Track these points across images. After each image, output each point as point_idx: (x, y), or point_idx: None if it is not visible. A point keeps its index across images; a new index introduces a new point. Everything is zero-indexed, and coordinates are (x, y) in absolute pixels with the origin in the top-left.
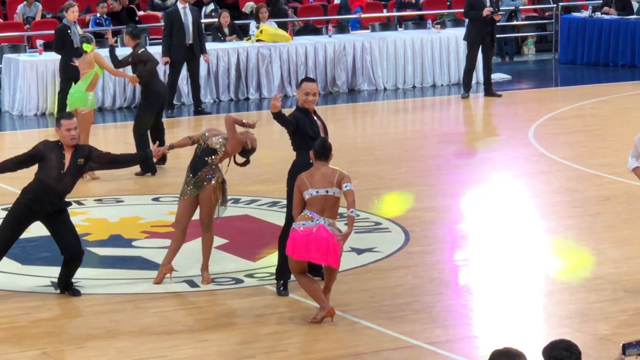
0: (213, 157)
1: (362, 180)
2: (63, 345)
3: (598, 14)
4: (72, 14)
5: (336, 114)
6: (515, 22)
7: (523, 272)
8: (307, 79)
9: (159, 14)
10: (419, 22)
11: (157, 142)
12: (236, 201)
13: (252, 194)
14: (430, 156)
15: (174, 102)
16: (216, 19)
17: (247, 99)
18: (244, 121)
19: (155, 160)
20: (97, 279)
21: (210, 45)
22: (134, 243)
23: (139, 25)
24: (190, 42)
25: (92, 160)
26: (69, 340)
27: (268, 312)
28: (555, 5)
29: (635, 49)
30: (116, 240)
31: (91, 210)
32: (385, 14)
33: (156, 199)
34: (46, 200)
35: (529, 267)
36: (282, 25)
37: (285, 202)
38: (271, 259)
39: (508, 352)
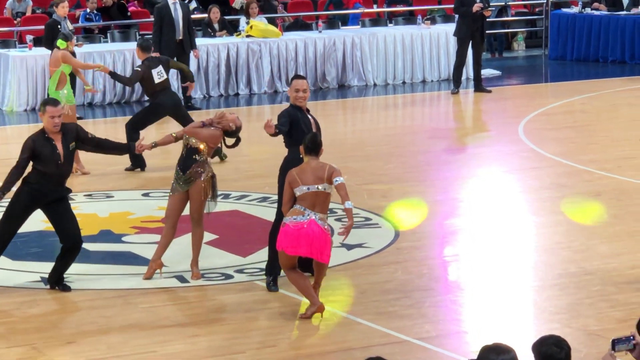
0: (198, 155)
1: (352, 176)
2: (53, 341)
3: (588, 10)
4: (62, 9)
5: (326, 109)
6: (505, 18)
7: (513, 267)
8: (297, 76)
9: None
10: (409, 18)
11: (143, 137)
12: (226, 197)
13: (242, 190)
14: (420, 152)
15: None
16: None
17: (237, 94)
18: (204, 122)
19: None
20: (87, 275)
21: (200, 41)
22: (124, 238)
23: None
24: (180, 37)
25: (81, 141)
26: (59, 335)
27: (258, 308)
28: (545, 1)
29: (625, 45)
30: (106, 236)
31: (81, 205)
32: (375, 9)
33: (146, 195)
34: (48, 188)
35: (519, 263)
36: (272, 21)
37: (275, 197)
38: (261, 255)
39: (497, 347)
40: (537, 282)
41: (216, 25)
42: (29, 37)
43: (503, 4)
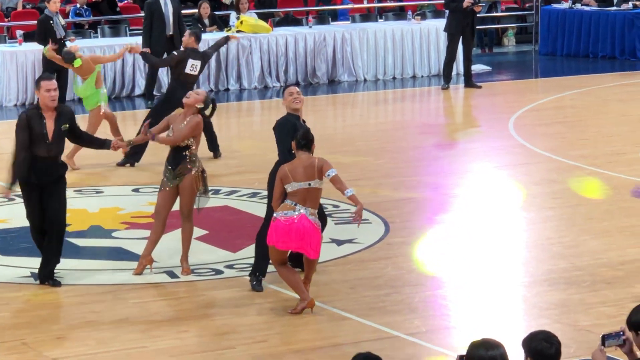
0: (188, 151)
1: (343, 171)
2: (43, 336)
3: (578, 6)
4: (53, 4)
5: (316, 105)
6: (495, 14)
7: (503, 263)
8: (287, 86)
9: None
10: (400, 13)
11: (120, 137)
12: (216, 192)
13: (232, 185)
14: (410, 147)
15: (154, 92)
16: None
17: (227, 89)
18: (153, 136)
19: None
20: (77, 270)
21: None
22: (114, 234)
23: (119, 17)
24: (171, 33)
25: (71, 127)
26: (48, 330)
27: (248, 303)
28: None
29: (615, 40)
30: (96, 231)
31: (71, 200)
32: (365, 4)
33: (136, 190)
34: (43, 170)
35: (509, 259)
36: (270, 15)
37: (265, 193)
38: (251, 251)
39: (487, 343)
40: (527, 278)
41: (206, 21)
42: (19, 32)
43: None
